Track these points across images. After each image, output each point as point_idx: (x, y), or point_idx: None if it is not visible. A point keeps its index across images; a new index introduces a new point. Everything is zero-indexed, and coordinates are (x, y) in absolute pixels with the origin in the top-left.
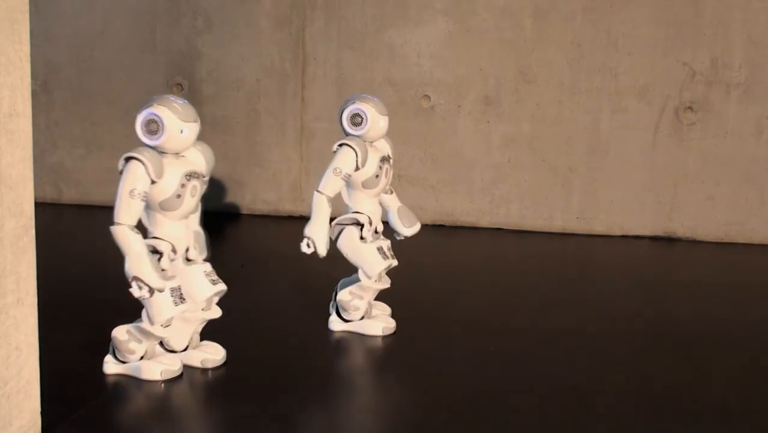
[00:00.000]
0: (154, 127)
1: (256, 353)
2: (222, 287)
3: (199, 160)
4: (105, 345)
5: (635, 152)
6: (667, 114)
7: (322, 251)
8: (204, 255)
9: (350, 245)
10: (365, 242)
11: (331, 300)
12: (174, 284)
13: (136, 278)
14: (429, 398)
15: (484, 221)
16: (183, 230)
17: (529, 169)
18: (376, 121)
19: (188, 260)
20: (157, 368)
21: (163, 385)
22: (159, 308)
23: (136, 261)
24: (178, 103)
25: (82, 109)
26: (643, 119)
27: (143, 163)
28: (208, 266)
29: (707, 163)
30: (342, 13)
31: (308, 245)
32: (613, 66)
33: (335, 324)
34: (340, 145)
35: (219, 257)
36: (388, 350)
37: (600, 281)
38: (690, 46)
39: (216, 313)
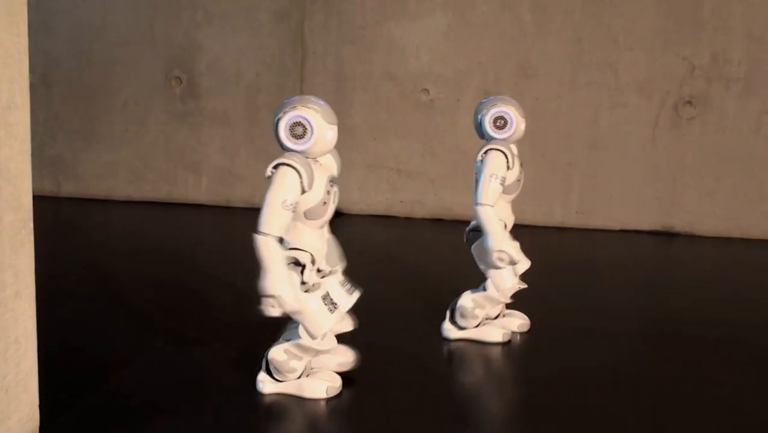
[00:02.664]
0: (300, 130)
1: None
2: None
3: (332, 163)
4: (102, 338)
5: (634, 147)
6: (667, 109)
7: (518, 256)
8: (343, 263)
9: (484, 253)
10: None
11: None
12: (322, 291)
13: (273, 297)
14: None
15: None
16: (322, 239)
17: (528, 164)
18: (519, 123)
19: (318, 271)
20: (322, 386)
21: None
22: (317, 321)
23: (278, 280)
24: (320, 105)
25: (81, 103)
26: (642, 114)
27: (298, 173)
28: (341, 276)
29: (706, 159)
30: (341, 6)
31: (500, 258)
32: (612, 61)
33: (451, 332)
34: (487, 151)
35: (226, 252)
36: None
37: (599, 275)
38: (690, 41)
39: (332, 343)
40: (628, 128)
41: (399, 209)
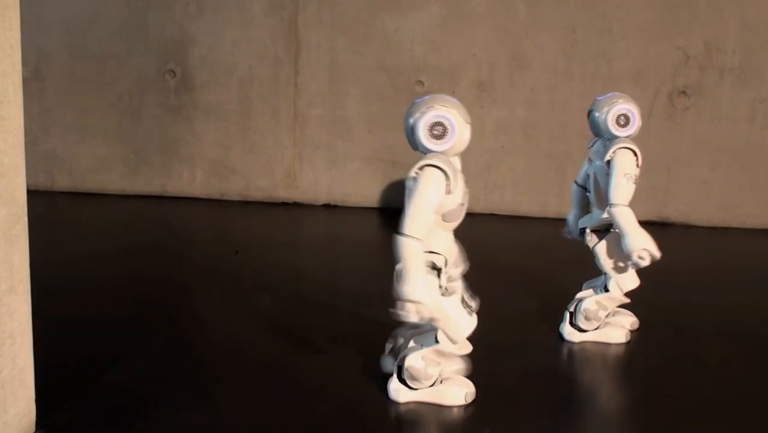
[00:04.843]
0: (440, 130)
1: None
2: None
3: (458, 164)
4: (98, 332)
5: None
6: (661, 99)
7: (657, 253)
8: (466, 265)
9: (613, 253)
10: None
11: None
12: (458, 295)
13: (413, 302)
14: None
15: (478, 207)
16: (453, 241)
17: (523, 155)
18: (638, 119)
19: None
20: (461, 392)
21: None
22: (457, 325)
23: (419, 284)
24: (456, 103)
25: (75, 96)
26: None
27: (445, 174)
28: (462, 280)
29: (701, 148)
30: None
31: (641, 257)
32: (607, 51)
33: (573, 336)
34: (615, 150)
35: (221, 246)
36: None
37: (594, 266)
38: (684, 30)
39: (469, 348)
40: None
41: (395, 201)
